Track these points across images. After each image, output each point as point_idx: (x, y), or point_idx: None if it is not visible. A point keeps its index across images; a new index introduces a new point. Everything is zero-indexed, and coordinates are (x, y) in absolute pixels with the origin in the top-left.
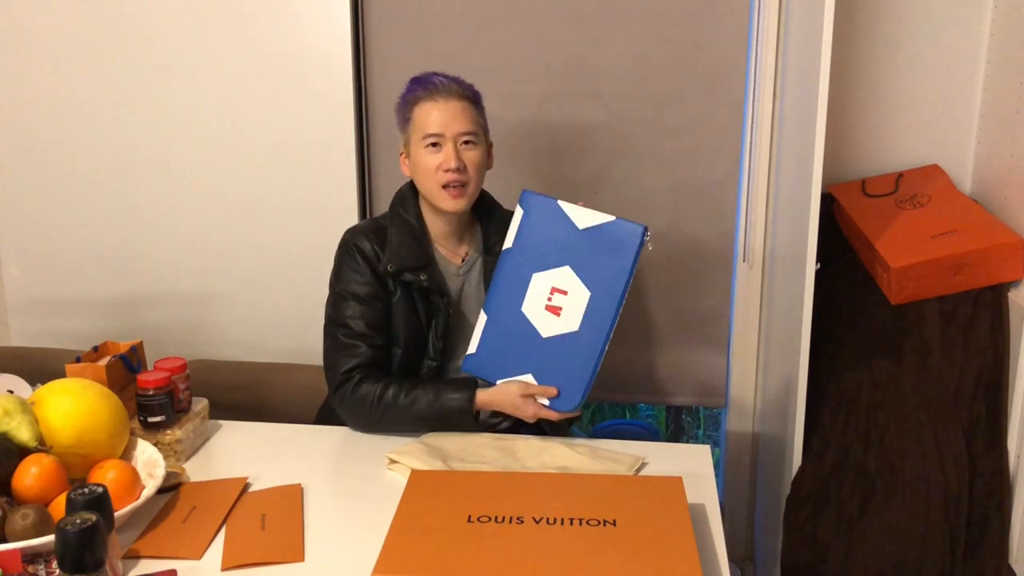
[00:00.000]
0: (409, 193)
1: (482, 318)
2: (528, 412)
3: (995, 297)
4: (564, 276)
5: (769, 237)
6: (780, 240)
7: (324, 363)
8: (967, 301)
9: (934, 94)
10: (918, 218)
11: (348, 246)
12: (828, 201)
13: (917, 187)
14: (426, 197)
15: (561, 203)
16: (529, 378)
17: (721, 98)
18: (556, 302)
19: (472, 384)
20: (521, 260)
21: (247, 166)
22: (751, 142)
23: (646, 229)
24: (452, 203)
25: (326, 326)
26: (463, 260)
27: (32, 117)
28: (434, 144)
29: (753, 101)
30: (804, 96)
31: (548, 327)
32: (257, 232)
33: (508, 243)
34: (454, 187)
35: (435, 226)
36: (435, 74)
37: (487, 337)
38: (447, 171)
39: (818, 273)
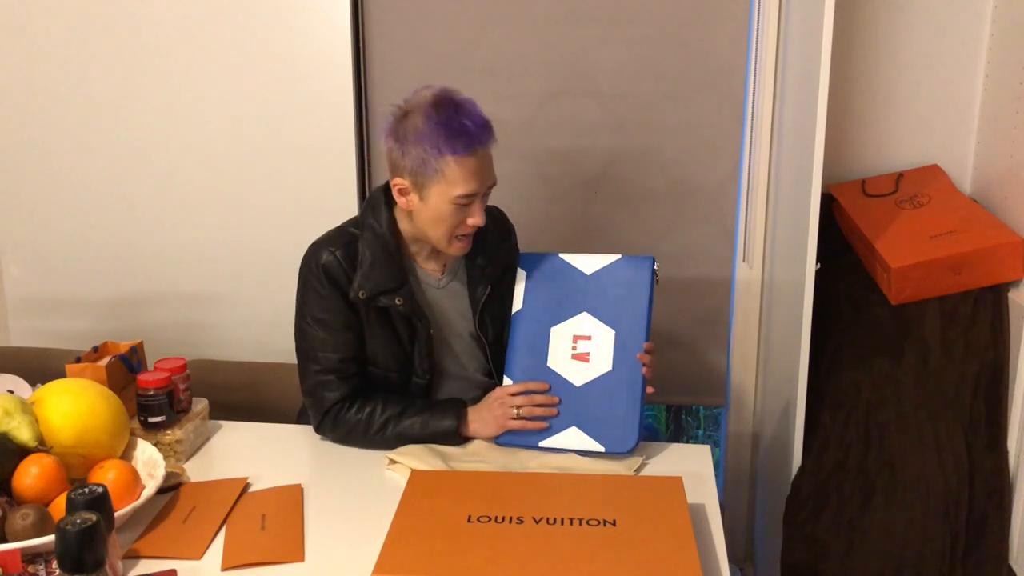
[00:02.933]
0: (382, 200)
1: (507, 383)
2: (499, 423)
3: (995, 297)
4: (583, 322)
5: (769, 237)
6: (780, 240)
7: (302, 390)
8: (967, 301)
9: (934, 94)
10: (918, 218)
11: (312, 266)
12: (828, 201)
13: (917, 187)
14: (430, 240)
15: (562, 255)
16: (573, 431)
17: (721, 98)
18: (581, 349)
19: (460, 407)
20: (534, 319)
21: (247, 166)
22: (751, 142)
23: (654, 260)
24: (462, 251)
25: (297, 353)
26: (443, 272)
27: (32, 117)
28: (467, 204)
29: (753, 101)
30: (804, 96)
31: (580, 375)
32: (257, 232)
33: (517, 305)
34: (469, 237)
35: (417, 245)
36: (462, 117)
37: None
38: (472, 226)
39: (818, 273)
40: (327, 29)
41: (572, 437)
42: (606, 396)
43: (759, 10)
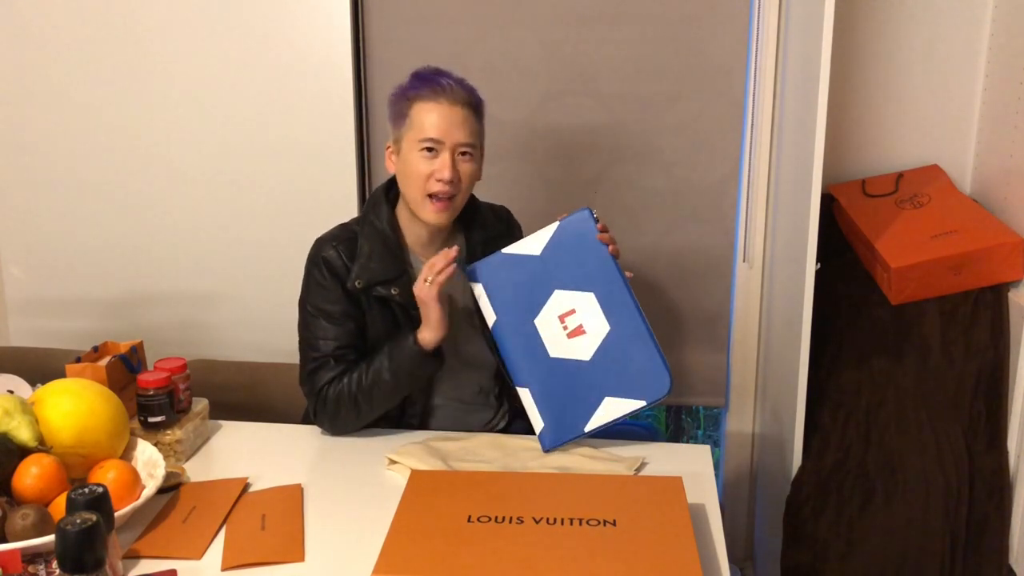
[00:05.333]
0: (383, 198)
1: (524, 393)
2: (424, 300)
3: (995, 297)
4: (560, 300)
5: (769, 237)
6: (780, 240)
7: (300, 379)
8: (967, 301)
9: (934, 94)
10: (918, 218)
11: (315, 259)
12: (828, 201)
13: (917, 187)
14: (408, 202)
15: (504, 250)
16: (608, 401)
17: (721, 98)
18: (572, 325)
19: (410, 329)
20: (512, 322)
21: (247, 166)
22: (751, 142)
23: (591, 209)
24: (435, 216)
25: (299, 345)
26: None
27: (32, 117)
28: (430, 149)
29: (753, 101)
30: (804, 96)
31: (585, 348)
32: (257, 232)
33: (491, 318)
34: (441, 199)
35: (414, 233)
36: (440, 73)
37: (542, 404)
38: (439, 180)
39: (818, 273)
40: (327, 29)
41: (610, 407)
42: (620, 354)
43: (759, 10)
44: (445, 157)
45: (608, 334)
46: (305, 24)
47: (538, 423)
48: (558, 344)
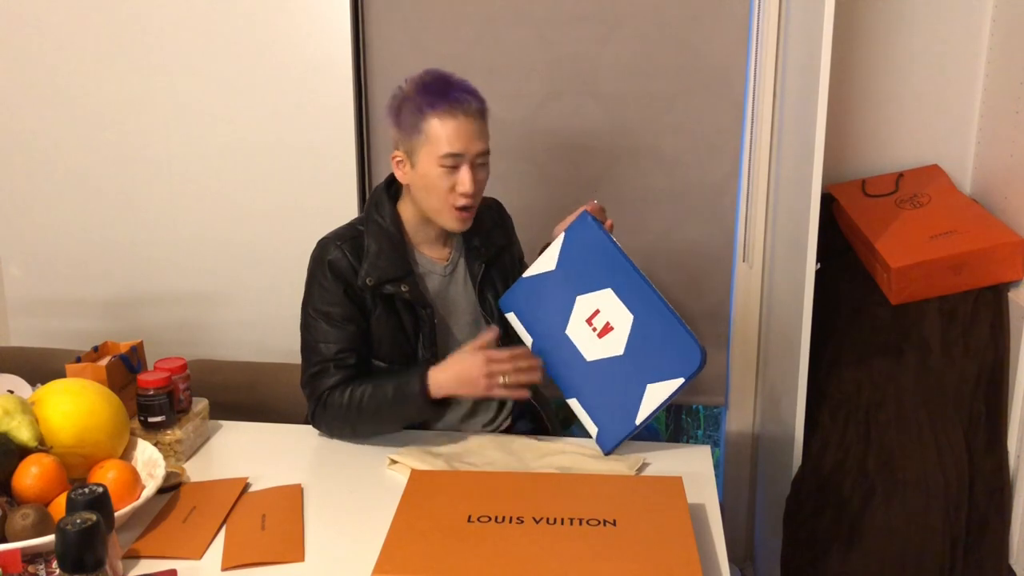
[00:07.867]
0: (384, 195)
1: (573, 403)
2: (481, 387)
3: (995, 297)
4: (583, 305)
5: (769, 237)
6: (780, 240)
7: (301, 381)
8: (967, 301)
9: (934, 94)
10: (918, 218)
11: (319, 260)
12: (828, 201)
13: (917, 187)
14: (427, 211)
15: (525, 274)
16: (651, 388)
17: (721, 98)
18: (600, 324)
19: (423, 369)
20: (546, 337)
21: (247, 166)
22: (751, 142)
23: (587, 211)
24: (460, 224)
25: (302, 347)
26: (448, 260)
27: (32, 117)
28: (451, 165)
29: (753, 101)
30: (804, 96)
31: (593, 350)
32: (257, 232)
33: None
34: (465, 209)
35: (420, 232)
36: (449, 82)
37: (591, 409)
38: (463, 195)
39: (818, 273)
40: (327, 29)
41: (654, 394)
42: (648, 340)
43: (759, 10)
44: (466, 171)
45: (633, 323)
46: (305, 25)
47: (592, 428)
48: (592, 347)
